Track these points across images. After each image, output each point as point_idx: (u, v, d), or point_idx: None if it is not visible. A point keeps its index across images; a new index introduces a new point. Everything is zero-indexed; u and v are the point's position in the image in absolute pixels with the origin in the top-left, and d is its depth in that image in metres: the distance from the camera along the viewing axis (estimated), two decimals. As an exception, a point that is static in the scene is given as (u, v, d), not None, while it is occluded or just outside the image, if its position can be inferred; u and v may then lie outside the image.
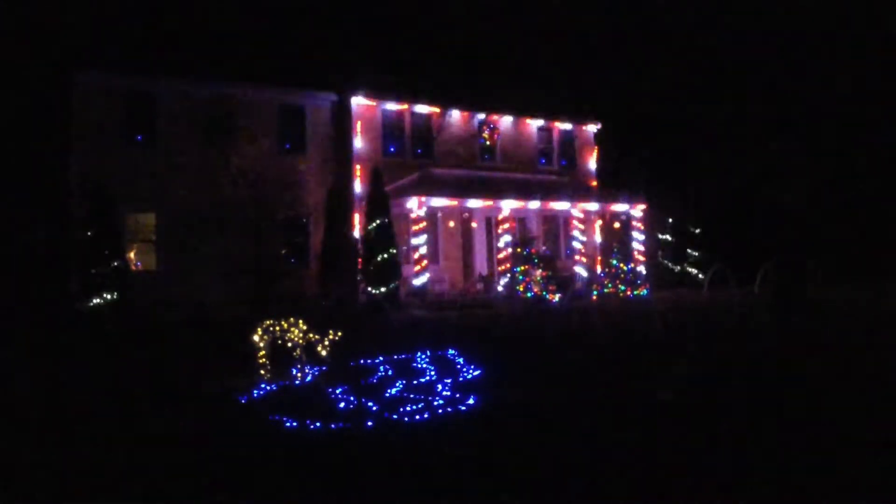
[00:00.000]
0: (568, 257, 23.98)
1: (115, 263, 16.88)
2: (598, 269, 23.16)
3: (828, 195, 24.09)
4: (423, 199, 19.75)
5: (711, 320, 15.60)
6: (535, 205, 22.29)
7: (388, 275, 18.97)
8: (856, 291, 22.19)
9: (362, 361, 10.15)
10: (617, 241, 23.81)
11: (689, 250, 26.15)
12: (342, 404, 7.59)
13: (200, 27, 21.52)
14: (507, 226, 21.21)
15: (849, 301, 19.42)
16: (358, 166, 21.36)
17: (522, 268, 20.06)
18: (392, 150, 22.47)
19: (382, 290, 18.34)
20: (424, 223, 19.98)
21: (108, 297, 16.63)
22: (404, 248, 20.50)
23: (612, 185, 25.92)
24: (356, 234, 20.69)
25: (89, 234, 16.84)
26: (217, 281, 18.59)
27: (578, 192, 24.21)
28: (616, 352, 11.28)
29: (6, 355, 12.56)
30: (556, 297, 19.46)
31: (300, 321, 9.50)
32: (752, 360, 9.89)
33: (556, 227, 25.22)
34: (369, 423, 6.76)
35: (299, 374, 9.07)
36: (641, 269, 23.07)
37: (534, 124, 25.26)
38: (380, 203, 19.44)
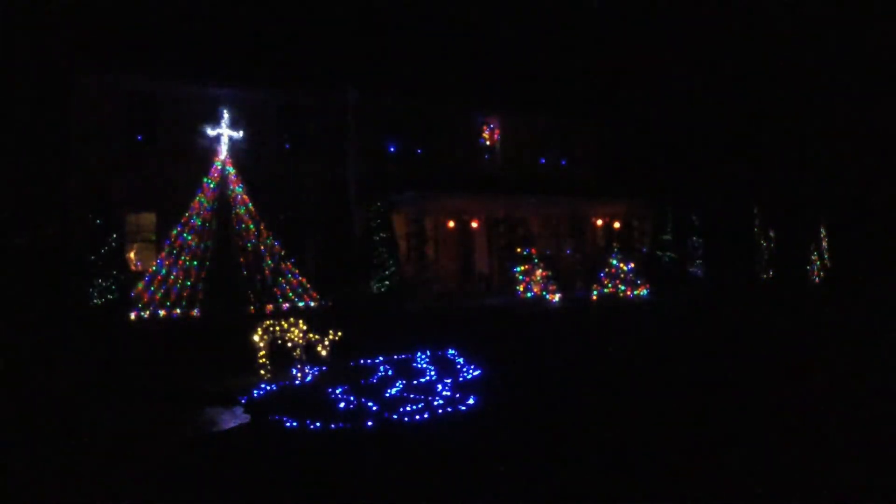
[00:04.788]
0: (568, 257, 23.96)
1: (115, 263, 16.87)
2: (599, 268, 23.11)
3: (830, 194, 24.06)
4: (423, 198, 19.74)
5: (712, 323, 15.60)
6: (535, 204, 22.25)
7: (387, 274, 18.96)
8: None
9: (362, 361, 10.15)
10: (617, 240, 23.78)
11: (690, 250, 26.10)
12: (342, 404, 7.59)
13: (200, 27, 21.49)
14: (507, 225, 21.20)
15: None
16: (357, 165, 21.35)
17: (522, 267, 20.05)
18: (392, 149, 22.46)
19: (382, 289, 18.34)
20: (424, 222, 19.97)
21: (108, 296, 16.62)
22: (404, 247, 20.49)
23: (612, 184, 25.88)
24: (356, 233, 20.68)
25: (89, 234, 16.83)
26: (217, 280, 18.56)
27: (578, 191, 24.19)
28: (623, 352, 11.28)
29: (6, 356, 12.55)
30: (556, 297, 19.46)
31: (300, 321, 9.52)
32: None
33: (556, 226, 25.19)
34: (369, 423, 6.77)
35: (299, 374, 9.07)
36: (642, 269, 23.02)
37: (534, 123, 25.22)
38: (379, 202, 19.43)
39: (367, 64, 22.39)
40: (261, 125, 20.75)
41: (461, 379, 8.87)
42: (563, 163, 26.10)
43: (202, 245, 19.02)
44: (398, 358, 10.35)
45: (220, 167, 19.96)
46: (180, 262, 18.82)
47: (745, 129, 25.05)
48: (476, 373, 9.20)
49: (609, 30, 26.47)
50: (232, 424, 7.23)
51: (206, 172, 19.81)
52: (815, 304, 16.91)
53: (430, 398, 7.75)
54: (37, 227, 20.57)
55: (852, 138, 22.04)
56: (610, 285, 20.38)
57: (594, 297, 20.55)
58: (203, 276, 18.78)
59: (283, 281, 19.39)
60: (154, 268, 18.80)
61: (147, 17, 21.04)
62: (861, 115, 20.20)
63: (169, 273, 18.73)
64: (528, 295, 19.51)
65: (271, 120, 21.14)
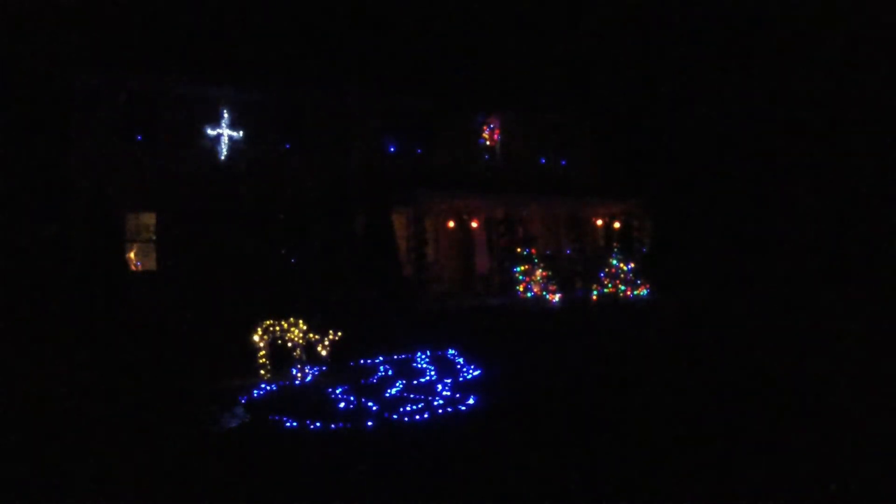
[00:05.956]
0: (568, 257, 23.96)
1: (115, 263, 16.87)
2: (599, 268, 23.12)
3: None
4: (423, 198, 19.75)
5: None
6: (535, 204, 22.25)
7: (387, 275, 18.95)
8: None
9: (362, 361, 10.15)
10: (617, 240, 23.79)
11: (690, 250, 26.05)
12: (342, 404, 7.59)
13: (200, 27, 21.49)
14: (507, 225, 21.22)
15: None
16: (357, 165, 21.35)
17: (522, 268, 20.06)
18: (392, 149, 22.46)
19: (382, 289, 18.35)
20: (424, 222, 19.98)
21: (108, 296, 16.62)
22: (404, 247, 20.50)
23: (612, 184, 25.89)
24: (356, 233, 20.69)
25: (89, 234, 16.83)
26: (217, 282, 18.58)
27: (579, 191, 24.20)
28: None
29: (6, 356, 12.56)
30: (556, 297, 19.47)
31: (300, 321, 9.52)
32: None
33: (556, 226, 25.19)
34: (369, 423, 6.77)
35: (299, 374, 9.08)
36: (641, 269, 23.01)
37: (534, 123, 25.21)
38: (380, 202, 19.44)
39: (367, 63, 22.38)
40: (261, 125, 20.73)
41: (461, 379, 8.87)
42: (563, 163, 26.08)
43: (201, 245, 19.04)
44: (398, 358, 10.36)
45: (219, 167, 19.97)
46: (180, 262, 18.85)
47: (747, 129, 25.04)
48: (476, 373, 9.20)
49: (610, 29, 26.46)
50: (232, 424, 7.23)
51: (206, 172, 19.82)
52: (815, 303, 16.90)
53: (430, 398, 7.76)
54: (36, 227, 20.57)
55: (854, 137, 22.02)
56: (610, 285, 20.39)
57: (594, 297, 20.55)
58: (203, 276, 18.81)
59: (284, 281, 19.41)
60: (154, 268, 18.85)
61: (147, 16, 21.04)
62: (865, 113, 20.17)
63: (169, 273, 18.76)
64: (528, 295, 19.52)
65: (271, 120, 21.11)
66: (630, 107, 26.50)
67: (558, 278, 20.59)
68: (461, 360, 10.05)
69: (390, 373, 9.37)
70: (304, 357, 9.26)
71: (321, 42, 22.79)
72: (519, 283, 19.77)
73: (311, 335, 9.39)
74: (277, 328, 9.34)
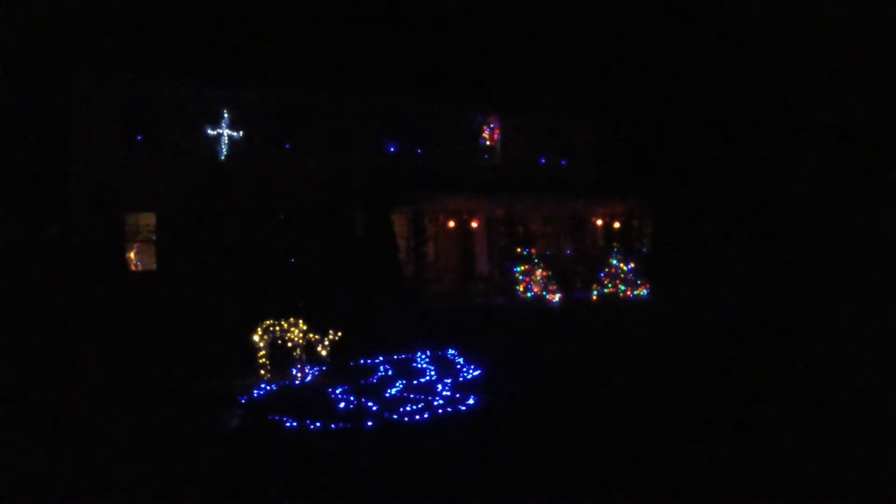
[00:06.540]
0: (568, 257, 23.96)
1: (115, 263, 16.88)
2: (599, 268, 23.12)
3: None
4: (423, 198, 19.76)
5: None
6: (535, 204, 22.25)
7: (387, 275, 18.96)
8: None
9: (362, 361, 10.16)
10: (617, 240, 23.80)
11: (690, 250, 26.06)
12: (342, 404, 7.60)
13: (201, 27, 21.49)
14: (507, 225, 21.22)
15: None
16: (357, 165, 21.36)
17: (522, 267, 20.07)
18: (392, 149, 22.47)
19: (382, 289, 18.36)
20: (424, 222, 19.99)
21: (108, 296, 16.62)
22: (404, 247, 20.51)
23: (612, 184, 25.89)
24: (356, 233, 20.69)
25: (89, 234, 16.84)
26: (217, 282, 18.58)
27: (579, 191, 24.21)
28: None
29: (6, 356, 12.56)
30: (556, 297, 19.48)
31: (300, 321, 9.52)
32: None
33: (556, 226, 25.20)
34: (369, 423, 6.77)
35: (299, 374, 9.08)
36: (641, 268, 23.01)
37: (534, 123, 25.23)
38: (379, 202, 19.45)
39: (367, 63, 22.38)
40: (261, 125, 20.72)
41: (461, 379, 8.88)
42: (563, 163, 26.08)
43: (202, 245, 19.04)
44: (398, 358, 10.36)
45: (219, 167, 19.97)
46: (180, 262, 18.86)
47: (747, 128, 25.05)
48: (476, 373, 9.20)
49: (609, 29, 26.47)
50: (232, 424, 7.23)
51: (206, 172, 19.81)
52: (816, 301, 16.90)
53: (430, 398, 7.76)
54: (36, 227, 20.57)
55: (855, 136, 22.03)
56: (610, 285, 20.39)
57: (594, 297, 20.56)
58: (203, 276, 18.81)
59: (283, 281, 19.42)
60: (154, 268, 18.86)
61: (147, 16, 21.04)
62: (865, 112, 20.19)
63: (169, 273, 18.77)
64: (528, 295, 19.53)
65: (271, 120, 21.10)
66: (630, 106, 26.49)
67: (558, 278, 20.60)
68: (461, 360, 10.05)
69: (390, 373, 9.38)
70: (304, 357, 9.26)
71: (321, 42, 22.77)
72: (519, 283, 19.78)
73: (311, 335, 9.39)
74: (277, 328, 9.34)
